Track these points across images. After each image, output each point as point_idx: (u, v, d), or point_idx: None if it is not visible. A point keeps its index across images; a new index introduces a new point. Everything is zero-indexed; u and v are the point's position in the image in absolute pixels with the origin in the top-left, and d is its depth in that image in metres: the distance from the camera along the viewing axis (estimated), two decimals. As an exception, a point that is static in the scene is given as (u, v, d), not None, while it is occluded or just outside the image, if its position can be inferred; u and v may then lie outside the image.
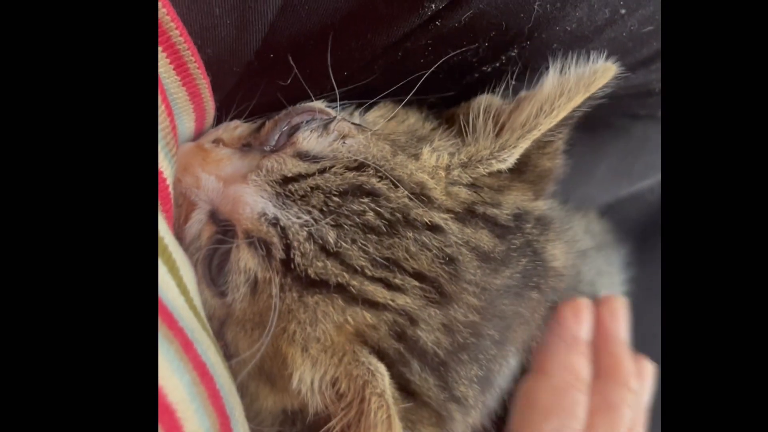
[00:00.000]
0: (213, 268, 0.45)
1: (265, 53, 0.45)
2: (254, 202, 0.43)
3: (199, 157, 0.46)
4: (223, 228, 0.44)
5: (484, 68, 0.50)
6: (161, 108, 0.41)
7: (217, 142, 0.47)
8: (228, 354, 0.45)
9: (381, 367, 0.41)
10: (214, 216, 0.45)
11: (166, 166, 0.42)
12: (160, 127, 0.40)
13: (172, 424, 0.35)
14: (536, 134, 0.46)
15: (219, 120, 0.49)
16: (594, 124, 0.67)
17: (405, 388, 0.42)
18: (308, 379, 0.42)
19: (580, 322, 0.54)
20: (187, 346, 0.37)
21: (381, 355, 0.42)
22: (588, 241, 0.68)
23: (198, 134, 0.48)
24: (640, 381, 0.55)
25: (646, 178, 0.74)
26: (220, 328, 0.45)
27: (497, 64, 0.49)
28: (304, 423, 0.44)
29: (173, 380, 0.35)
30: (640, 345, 0.58)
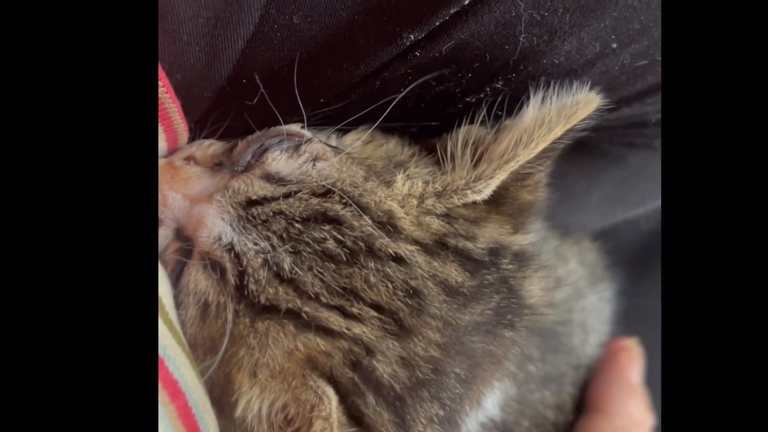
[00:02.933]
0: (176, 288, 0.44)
1: (238, 79, 0.44)
2: (212, 225, 0.42)
3: (168, 175, 0.45)
4: (186, 246, 0.44)
5: (468, 99, 0.48)
6: None
7: (188, 159, 0.47)
8: None
9: (329, 392, 0.40)
10: (179, 234, 0.44)
11: None
12: None
13: None
14: (514, 166, 0.44)
15: (193, 138, 0.48)
16: (589, 151, 0.66)
17: (359, 421, 0.41)
18: (255, 405, 0.41)
19: (635, 365, 0.57)
20: (159, 365, 0.37)
21: (334, 382, 0.41)
22: (583, 273, 0.66)
23: (171, 153, 0.47)
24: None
25: (642, 206, 0.72)
26: None
27: (481, 95, 0.48)
28: None
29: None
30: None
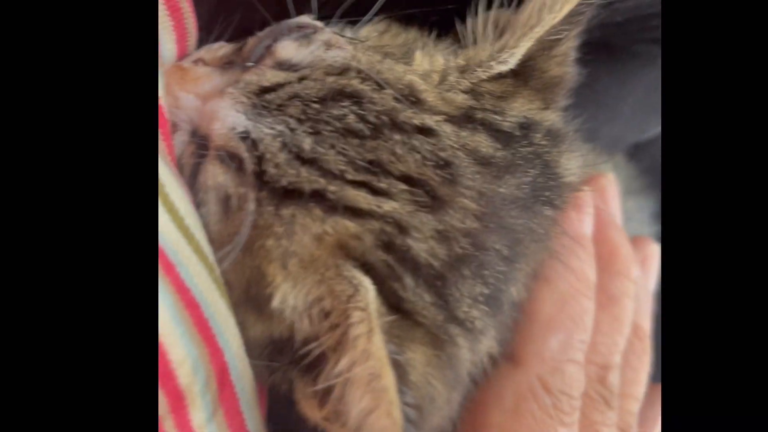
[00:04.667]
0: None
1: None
2: (226, 116, 0.41)
3: (177, 76, 0.43)
4: (202, 144, 0.42)
5: None
6: None
7: (197, 61, 0.45)
8: None
9: (365, 281, 0.37)
10: (194, 135, 0.43)
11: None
12: None
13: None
14: (539, 32, 0.42)
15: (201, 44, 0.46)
16: (618, 54, 0.63)
17: (399, 308, 0.39)
18: (290, 298, 0.39)
19: (583, 215, 0.48)
20: (168, 268, 0.35)
21: (368, 268, 0.38)
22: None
23: (180, 56, 0.45)
24: (643, 266, 0.51)
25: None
26: None
27: None
28: (292, 352, 0.40)
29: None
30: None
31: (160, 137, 0.40)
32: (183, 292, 0.35)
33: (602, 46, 0.60)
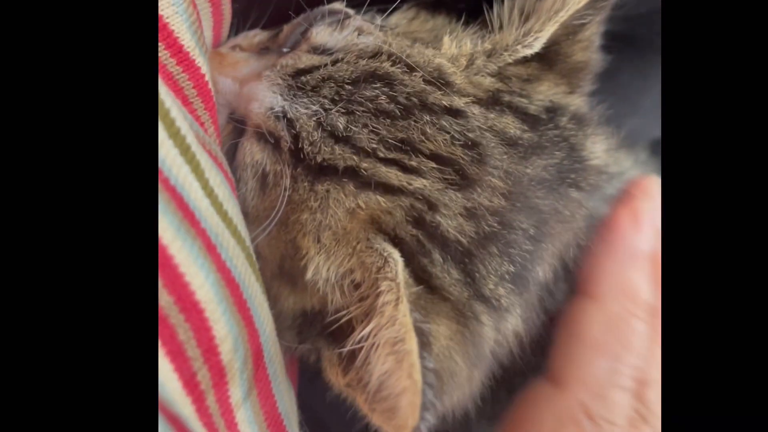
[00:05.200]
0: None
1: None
2: (263, 97, 0.42)
3: (216, 62, 0.45)
4: (240, 125, 0.44)
5: None
6: (189, 1, 0.38)
7: (234, 48, 0.47)
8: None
9: (395, 254, 0.39)
10: (232, 116, 0.44)
11: (202, 62, 0.40)
12: (190, 20, 0.38)
13: (200, 324, 0.33)
14: (564, 16, 0.43)
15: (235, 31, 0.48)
16: (640, 45, 0.63)
17: (427, 283, 0.40)
18: (323, 270, 0.40)
19: (640, 227, 0.44)
20: (210, 249, 0.36)
21: (398, 242, 0.40)
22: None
23: (215, 43, 0.47)
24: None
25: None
26: None
27: None
28: (323, 323, 0.42)
29: (199, 278, 0.33)
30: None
31: (210, 120, 0.41)
32: (224, 272, 0.36)
33: (626, 38, 0.61)
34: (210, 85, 0.41)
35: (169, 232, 0.31)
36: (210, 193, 0.38)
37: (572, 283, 0.46)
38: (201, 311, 0.33)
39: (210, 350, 0.34)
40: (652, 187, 0.46)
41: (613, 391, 0.41)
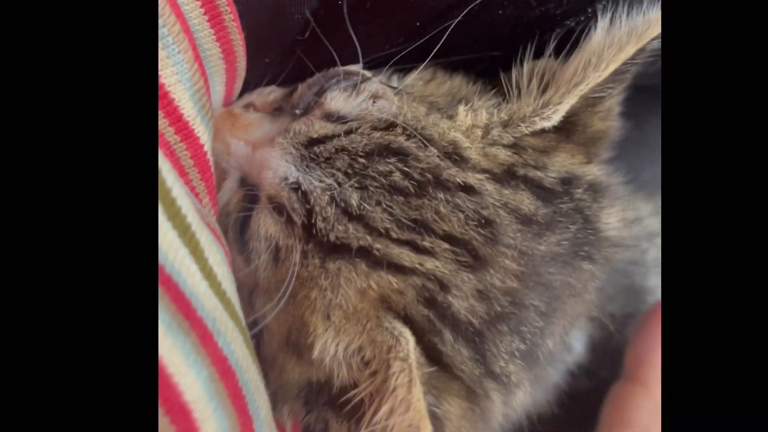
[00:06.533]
0: (244, 236, 0.43)
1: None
2: (277, 166, 0.42)
3: (228, 123, 0.45)
4: (251, 192, 0.43)
5: (567, 22, 0.46)
6: (194, 67, 0.38)
7: (248, 106, 0.46)
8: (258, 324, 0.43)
9: (406, 332, 0.38)
10: (243, 182, 0.44)
11: (203, 131, 0.40)
12: (194, 88, 0.38)
13: (187, 425, 0.32)
14: (583, 89, 0.42)
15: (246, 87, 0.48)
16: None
17: (437, 361, 0.40)
18: (332, 348, 0.40)
19: None
20: (205, 339, 0.35)
21: (409, 322, 0.39)
22: (656, 222, 0.63)
23: (227, 98, 0.47)
24: None
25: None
26: (249, 297, 0.43)
27: (581, 18, 0.45)
28: (329, 395, 0.42)
29: (189, 377, 0.32)
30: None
31: (205, 190, 0.40)
32: (220, 363, 0.35)
33: (653, 92, 0.60)
34: (209, 155, 0.41)
35: (159, 330, 0.30)
36: (209, 273, 0.37)
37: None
38: (189, 412, 0.32)
39: None
40: None
41: None
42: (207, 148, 0.40)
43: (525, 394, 0.43)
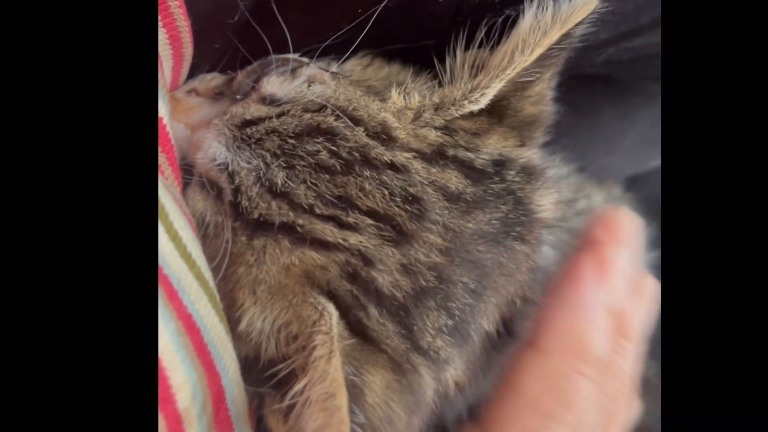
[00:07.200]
0: None
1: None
2: (208, 147, 0.43)
3: (171, 106, 0.46)
4: (188, 172, 0.44)
5: (507, 11, 0.46)
6: None
7: (191, 92, 0.48)
8: None
9: (330, 307, 0.39)
10: (183, 162, 0.45)
11: (161, 105, 0.41)
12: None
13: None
14: (510, 74, 0.43)
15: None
16: (624, 88, 0.63)
17: (363, 335, 0.40)
18: (258, 322, 0.41)
19: (605, 279, 0.42)
20: (171, 295, 0.37)
21: (333, 297, 0.40)
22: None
23: (174, 83, 0.48)
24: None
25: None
26: None
27: (521, 6, 0.45)
28: (259, 370, 0.42)
29: (158, 327, 0.34)
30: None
31: (167, 162, 0.42)
32: (185, 318, 0.37)
33: (608, 82, 0.61)
34: (168, 128, 0.42)
35: None
36: (174, 236, 0.39)
37: (519, 335, 0.46)
38: (158, 361, 0.34)
39: (166, 399, 0.35)
40: (623, 225, 0.45)
41: None
42: (166, 121, 0.41)
43: (458, 371, 0.43)
